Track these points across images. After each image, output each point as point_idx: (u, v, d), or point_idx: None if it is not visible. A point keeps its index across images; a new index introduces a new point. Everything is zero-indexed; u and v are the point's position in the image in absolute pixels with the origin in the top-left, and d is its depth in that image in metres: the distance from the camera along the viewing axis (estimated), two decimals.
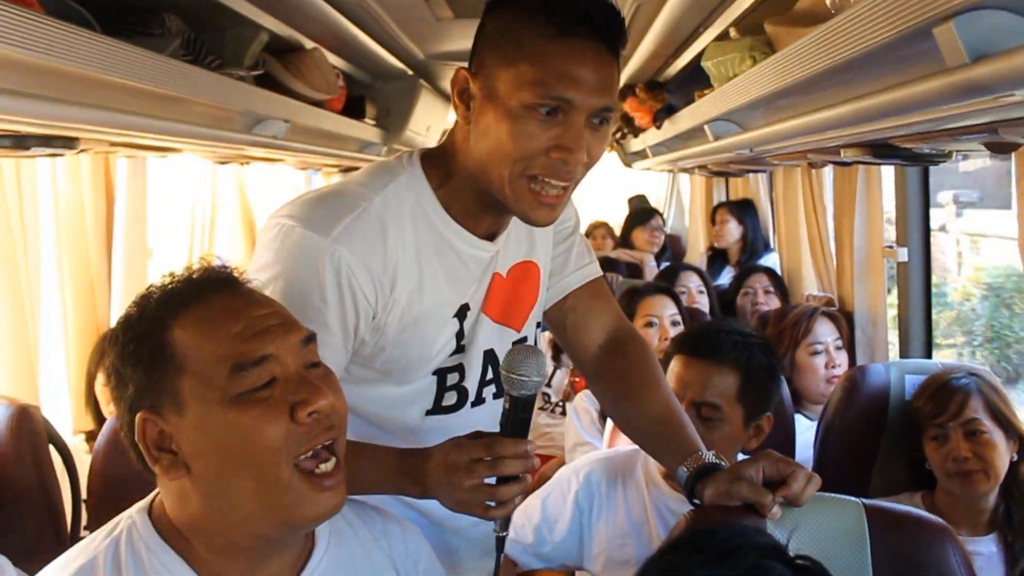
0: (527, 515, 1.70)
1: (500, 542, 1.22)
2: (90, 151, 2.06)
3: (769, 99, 1.76)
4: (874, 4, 1.04)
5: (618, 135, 4.45)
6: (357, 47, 2.77)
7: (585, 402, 2.54)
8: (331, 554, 1.08)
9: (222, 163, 3.23)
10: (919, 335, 2.58)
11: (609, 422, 2.22)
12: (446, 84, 3.84)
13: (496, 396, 1.36)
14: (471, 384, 1.34)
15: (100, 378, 2.24)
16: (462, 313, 1.29)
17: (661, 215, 5.42)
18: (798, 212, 3.60)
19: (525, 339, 1.39)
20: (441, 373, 1.31)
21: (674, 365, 1.71)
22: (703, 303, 3.52)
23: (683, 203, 6.17)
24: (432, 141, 4.28)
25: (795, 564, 0.92)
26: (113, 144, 2.03)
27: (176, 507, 1.00)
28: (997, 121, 1.21)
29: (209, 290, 0.99)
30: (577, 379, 3.03)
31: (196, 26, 1.89)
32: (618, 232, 5.44)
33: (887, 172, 2.74)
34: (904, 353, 2.62)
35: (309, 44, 2.46)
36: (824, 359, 2.59)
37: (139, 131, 1.77)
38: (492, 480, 1.15)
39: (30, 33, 1.12)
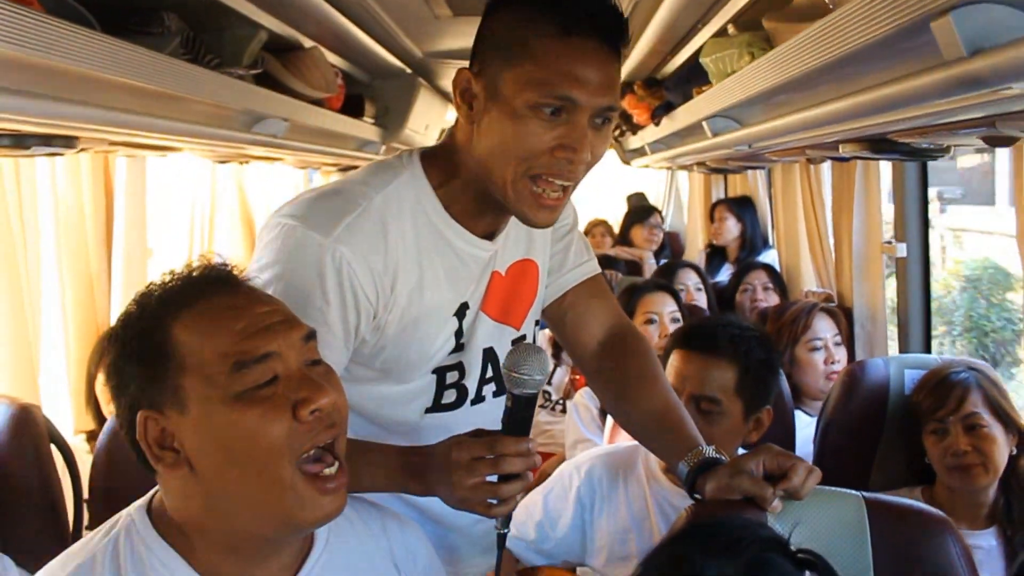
0: (529, 512, 1.70)
1: (501, 539, 1.22)
2: (90, 150, 2.06)
3: (767, 95, 1.76)
4: None
5: (616, 132, 4.46)
6: (356, 46, 2.77)
7: (585, 399, 2.54)
8: (330, 551, 1.08)
9: (221, 162, 3.24)
10: (918, 330, 2.59)
11: (609, 419, 2.22)
12: (444, 83, 3.89)
13: (496, 394, 1.37)
14: (471, 382, 1.34)
15: (100, 378, 2.24)
16: (461, 312, 1.30)
17: (660, 213, 5.42)
18: (797, 208, 3.61)
19: (524, 337, 1.40)
20: (441, 371, 1.31)
21: (673, 359, 1.72)
22: (701, 300, 3.52)
23: (682, 200, 6.18)
24: (430, 140, 4.28)
25: (797, 557, 0.92)
26: (113, 143, 2.03)
27: (177, 505, 1.00)
28: (995, 115, 1.22)
29: (210, 288, 0.99)
30: (577, 377, 3.03)
31: (195, 25, 1.89)
32: (617, 230, 5.44)
33: (885, 168, 2.75)
34: (903, 348, 2.62)
35: (308, 43, 2.46)
36: (823, 355, 2.60)
37: (139, 130, 1.77)
38: (494, 478, 1.15)
39: (30, 32, 1.12)
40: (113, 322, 1.02)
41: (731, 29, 2.04)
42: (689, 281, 3.58)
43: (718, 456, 1.28)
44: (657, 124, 3.34)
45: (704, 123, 2.34)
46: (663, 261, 4.81)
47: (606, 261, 4.32)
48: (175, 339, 0.95)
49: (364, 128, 3.35)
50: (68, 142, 1.71)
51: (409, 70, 3.49)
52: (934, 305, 2.66)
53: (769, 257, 4.11)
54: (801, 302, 2.88)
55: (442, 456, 1.16)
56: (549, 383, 3.10)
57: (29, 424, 1.75)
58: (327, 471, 0.98)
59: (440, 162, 1.27)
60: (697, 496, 1.26)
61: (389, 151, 3.73)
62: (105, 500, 1.82)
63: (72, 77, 1.34)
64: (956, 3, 0.89)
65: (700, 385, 1.65)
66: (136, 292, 1.02)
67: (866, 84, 1.30)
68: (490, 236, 1.31)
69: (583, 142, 1.15)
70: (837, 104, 1.44)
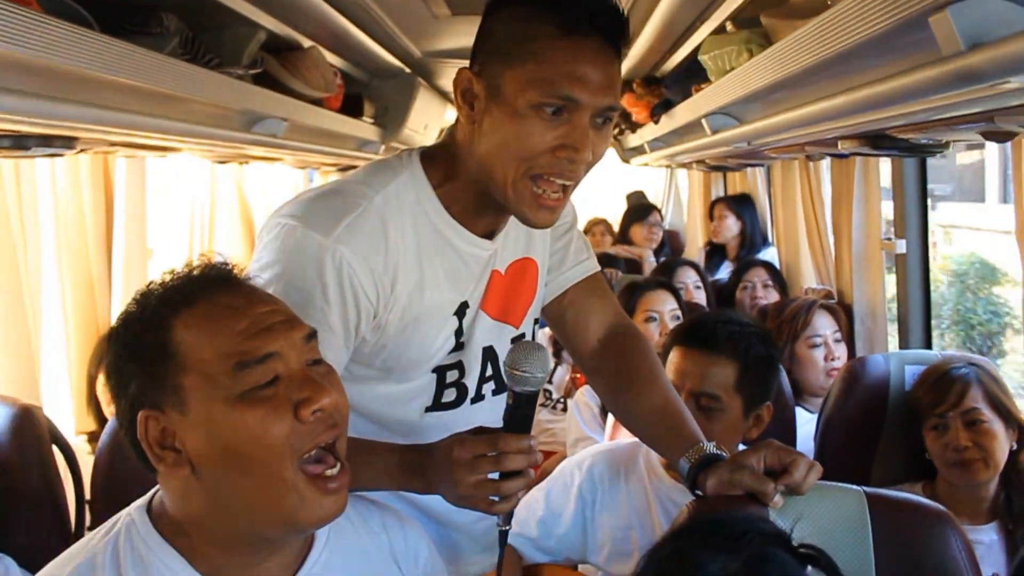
0: (530, 509, 1.70)
1: (503, 536, 1.22)
2: (89, 151, 2.06)
3: (766, 91, 1.76)
4: None
5: (616, 131, 4.45)
6: (354, 45, 2.77)
7: (586, 397, 2.55)
8: (330, 549, 1.08)
9: (221, 162, 3.24)
10: (918, 326, 2.59)
11: (610, 417, 2.22)
12: (443, 82, 3.89)
13: (495, 393, 1.37)
14: (470, 381, 1.34)
15: (101, 378, 2.25)
16: (461, 311, 1.30)
17: (659, 211, 5.42)
18: (796, 206, 3.61)
19: (524, 335, 1.40)
20: (441, 370, 1.31)
21: (673, 356, 1.72)
22: (700, 299, 3.52)
23: (681, 199, 6.18)
24: (430, 139, 4.28)
25: (799, 552, 0.93)
26: (112, 144, 2.03)
27: (178, 504, 1.00)
28: (993, 110, 1.22)
29: (210, 287, 0.99)
30: (578, 375, 3.03)
31: (194, 25, 1.89)
32: (617, 229, 5.44)
33: (884, 165, 2.75)
34: (903, 344, 2.63)
35: (307, 43, 2.46)
36: (823, 352, 2.60)
37: (138, 130, 1.77)
38: (495, 475, 1.15)
39: (29, 32, 1.12)
40: (114, 322, 1.02)
41: (730, 26, 2.04)
42: (688, 279, 3.58)
43: (719, 452, 1.28)
44: (656, 122, 3.34)
45: (703, 120, 2.34)
46: (663, 259, 4.81)
47: (606, 260, 4.32)
48: (176, 338, 0.95)
49: (363, 128, 3.35)
50: (68, 143, 1.71)
51: (408, 70, 3.49)
52: None
53: (769, 255, 4.11)
54: (801, 299, 2.88)
55: (443, 454, 1.16)
56: (550, 382, 3.10)
57: (31, 425, 1.75)
58: (329, 472, 0.98)
59: (440, 162, 1.27)
60: (698, 492, 1.26)
61: (388, 151, 3.73)
62: (107, 501, 1.82)
63: (71, 77, 1.35)
64: None
65: (700, 382, 1.65)
66: (136, 291, 1.01)
67: (864, 80, 1.30)
68: (490, 235, 1.31)
69: (584, 142, 1.15)
70: (836, 100, 1.45)
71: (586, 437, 2.44)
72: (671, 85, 3.10)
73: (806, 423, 2.38)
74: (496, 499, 1.16)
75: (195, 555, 0.99)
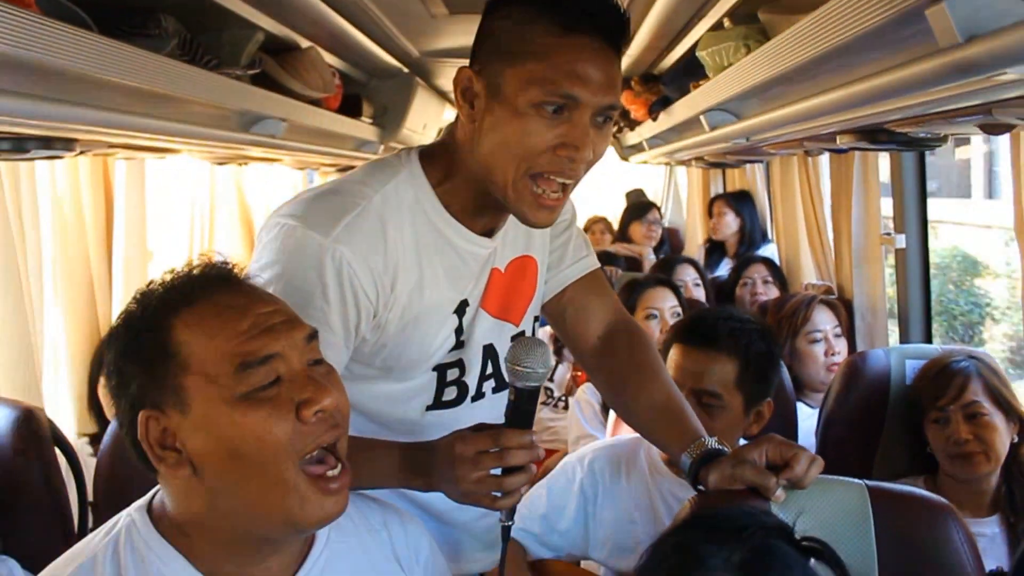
0: (533, 505, 1.70)
1: (506, 531, 1.22)
2: (89, 153, 2.06)
3: (764, 87, 1.76)
4: None
5: (614, 129, 4.45)
6: (352, 45, 2.77)
7: (587, 395, 2.55)
8: (331, 548, 1.08)
9: (220, 164, 3.24)
10: (918, 320, 2.59)
11: (612, 414, 2.22)
12: (442, 82, 3.89)
13: (496, 391, 1.37)
14: (471, 379, 1.34)
15: (103, 380, 2.24)
16: (461, 309, 1.30)
17: (658, 208, 5.42)
18: (795, 202, 3.61)
19: (524, 333, 1.40)
20: (441, 369, 1.31)
21: (673, 354, 1.72)
22: (699, 296, 3.52)
23: (680, 196, 6.18)
24: (428, 139, 4.27)
25: (801, 544, 0.93)
26: (111, 146, 2.03)
27: (178, 504, 0.99)
28: (991, 102, 1.22)
29: (211, 286, 0.99)
30: (579, 373, 3.03)
31: (192, 27, 1.89)
32: (616, 227, 5.44)
33: (883, 161, 2.75)
34: (904, 338, 2.63)
35: (305, 43, 2.46)
36: (823, 347, 2.60)
37: (137, 131, 1.77)
38: (497, 471, 1.15)
39: (27, 33, 1.12)
40: (114, 322, 1.02)
41: (727, 22, 2.04)
42: (687, 277, 3.58)
43: (720, 447, 1.28)
44: (655, 119, 3.34)
45: (701, 117, 2.33)
46: (662, 257, 4.81)
47: (606, 258, 4.32)
48: (176, 338, 0.95)
49: (362, 128, 3.35)
50: (67, 145, 1.71)
51: (406, 70, 3.49)
52: None
53: (768, 251, 4.11)
54: (801, 294, 2.88)
55: (445, 450, 1.17)
56: (551, 380, 3.10)
57: (33, 427, 1.75)
58: (330, 473, 0.98)
59: (439, 160, 1.27)
60: (700, 487, 1.26)
61: (387, 151, 3.73)
62: (110, 502, 1.82)
63: (70, 79, 1.35)
64: None
65: (700, 380, 1.65)
66: (136, 291, 1.01)
67: (862, 73, 1.30)
68: (489, 233, 1.31)
69: (585, 140, 1.15)
70: (834, 94, 1.45)
71: (587, 435, 2.45)
72: (669, 82, 3.10)
73: (807, 418, 2.38)
74: (499, 495, 1.16)
75: (195, 555, 0.99)
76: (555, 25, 1.13)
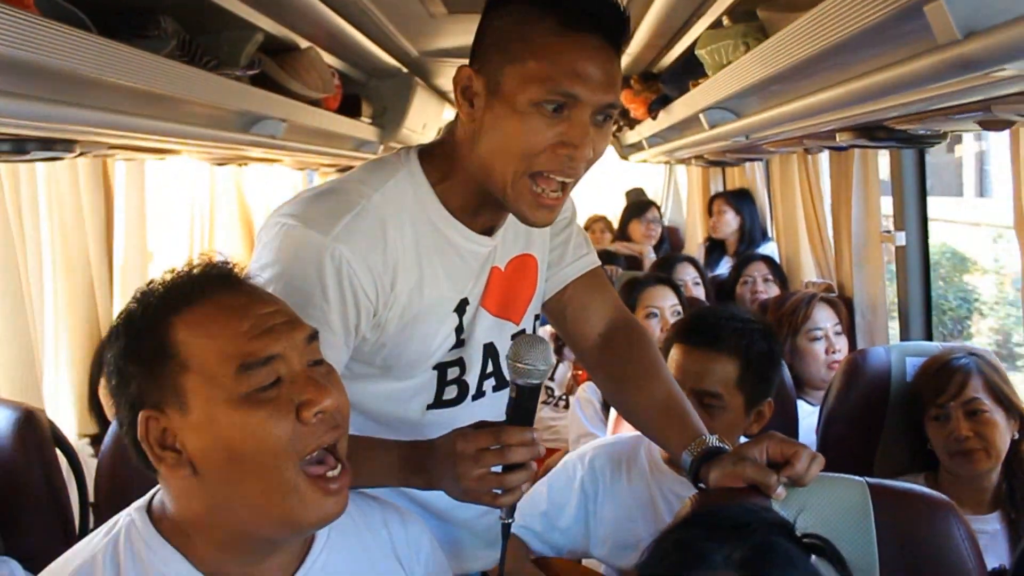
0: (533, 503, 1.70)
1: (506, 529, 1.22)
2: (88, 154, 2.06)
3: (763, 84, 1.76)
4: None
5: (614, 128, 4.45)
6: (352, 46, 2.77)
7: (588, 393, 2.55)
8: (331, 547, 1.08)
9: (220, 164, 3.24)
10: (918, 318, 2.59)
11: (612, 412, 2.23)
12: (441, 81, 3.89)
13: (496, 389, 1.37)
14: (471, 378, 1.34)
15: (103, 381, 2.25)
16: (461, 308, 1.30)
17: (658, 207, 5.42)
18: (795, 200, 3.61)
19: (524, 331, 1.40)
20: (441, 368, 1.31)
21: (674, 353, 1.72)
22: (699, 295, 3.52)
23: (680, 195, 6.18)
24: (428, 139, 4.25)
25: (803, 541, 0.93)
26: (111, 147, 2.03)
27: (179, 505, 0.99)
28: (990, 98, 1.22)
29: (211, 286, 0.99)
30: (580, 372, 3.03)
31: (191, 28, 1.89)
32: (616, 226, 5.44)
33: (883, 159, 2.75)
34: (904, 336, 2.63)
35: (304, 44, 2.46)
36: (824, 345, 2.60)
37: (137, 132, 1.77)
38: (498, 468, 1.15)
39: (26, 35, 1.12)
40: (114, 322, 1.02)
41: (726, 20, 2.04)
42: (687, 276, 3.57)
43: (721, 445, 1.28)
44: (654, 118, 3.34)
45: (701, 115, 2.33)
46: (661, 255, 4.81)
47: (606, 257, 4.32)
48: (177, 338, 0.95)
49: (362, 128, 3.35)
50: (67, 146, 1.71)
51: (405, 69, 3.49)
52: None
53: (768, 249, 4.11)
54: (801, 292, 2.88)
55: (446, 448, 1.17)
56: (552, 379, 3.10)
57: (34, 428, 1.75)
58: (330, 473, 0.98)
59: (438, 159, 1.27)
60: (701, 485, 1.26)
61: (387, 150, 3.73)
62: (111, 503, 1.82)
63: (69, 80, 1.35)
64: None
65: (701, 380, 1.65)
66: (137, 290, 1.01)
67: (861, 70, 1.30)
68: (489, 232, 1.31)
69: (585, 139, 1.15)
70: (833, 92, 1.45)
71: (588, 433, 2.45)
72: (668, 81, 3.10)
73: (808, 416, 2.38)
74: (500, 492, 1.16)
75: (195, 555, 0.99)
76: (555, 23, 1.13)
